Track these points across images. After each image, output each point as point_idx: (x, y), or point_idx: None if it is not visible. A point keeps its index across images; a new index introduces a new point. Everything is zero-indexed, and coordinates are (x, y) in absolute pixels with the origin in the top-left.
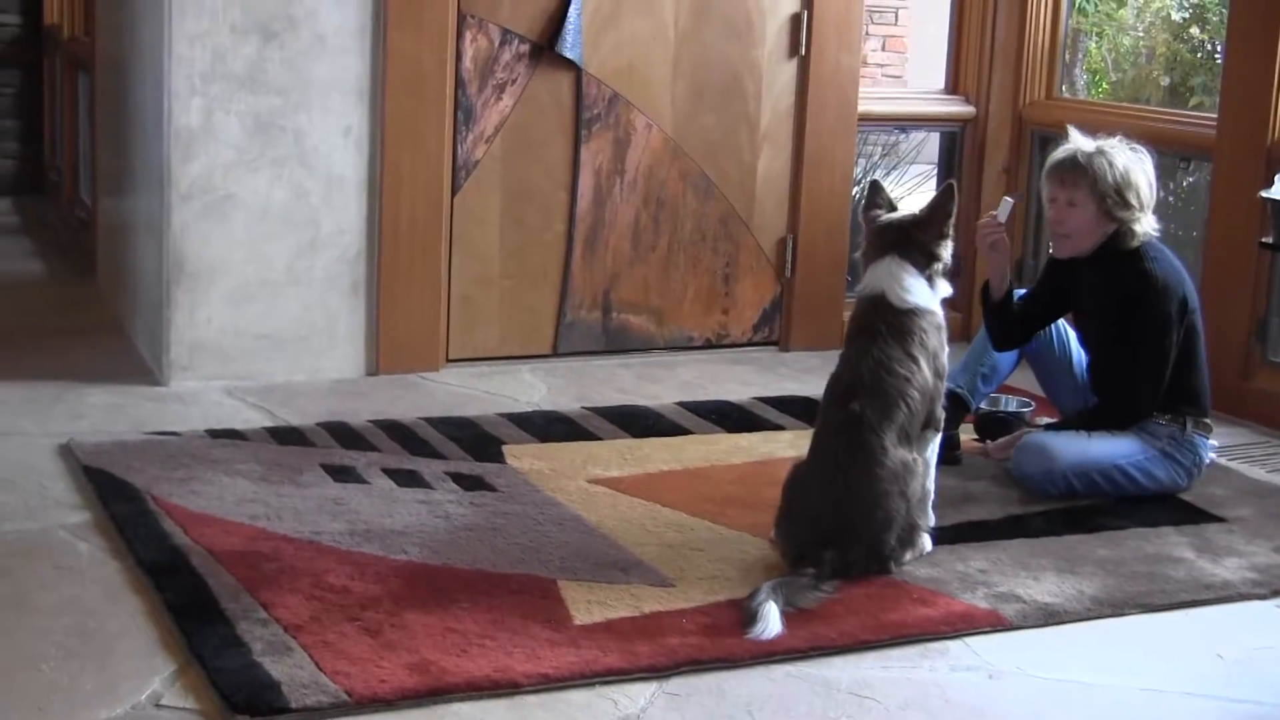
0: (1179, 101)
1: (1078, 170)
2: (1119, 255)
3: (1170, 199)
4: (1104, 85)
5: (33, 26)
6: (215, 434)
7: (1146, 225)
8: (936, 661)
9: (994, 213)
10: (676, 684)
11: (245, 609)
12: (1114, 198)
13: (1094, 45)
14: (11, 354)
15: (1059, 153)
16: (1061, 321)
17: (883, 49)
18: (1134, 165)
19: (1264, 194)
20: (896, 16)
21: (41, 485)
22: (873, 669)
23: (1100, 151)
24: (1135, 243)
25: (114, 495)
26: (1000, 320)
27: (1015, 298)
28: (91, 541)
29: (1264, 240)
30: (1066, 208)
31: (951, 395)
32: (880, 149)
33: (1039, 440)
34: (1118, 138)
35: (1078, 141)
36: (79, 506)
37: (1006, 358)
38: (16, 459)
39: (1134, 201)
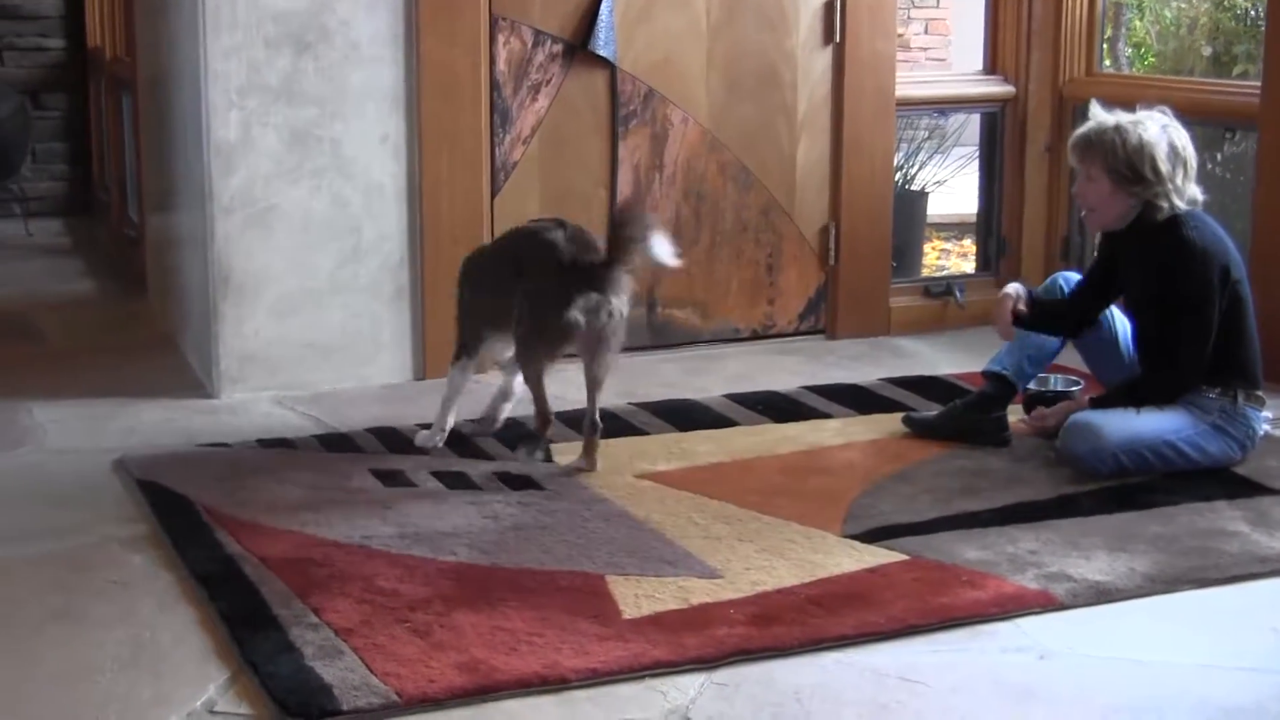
0: (1223, 71)
1: (1090, 146)
2: (1156, 226)
3: (1216, 169)
4: (1149, 58)
5: (77, 50)
6: (265, 444)
7: (1176, 197)
8: (986, 644)
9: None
10: (725, 674)
11: (296, 615)
12: (1126, 171)
13: (1136, 18)
14: (66, 372)
15: (1079, 129)
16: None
17: (925, 32)
18: (1153, 139)
19: None
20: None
21: (97, 500)
22: (922, 653)
23: (1116, 127)
24: (1163, 215)
25: (166, 507)
26: (1052, 321)
27: (1065, 291)
28: (145, 554)
29: None
30: (1086, 182)
31: (998, 377)
32: (926, 132)
33: (1086, 419)
34: (1155, 110)
35: (1098, 116)
36: (133, 520)
37: (1052, 340)
38: (72, 475)
39: (1148, 175)
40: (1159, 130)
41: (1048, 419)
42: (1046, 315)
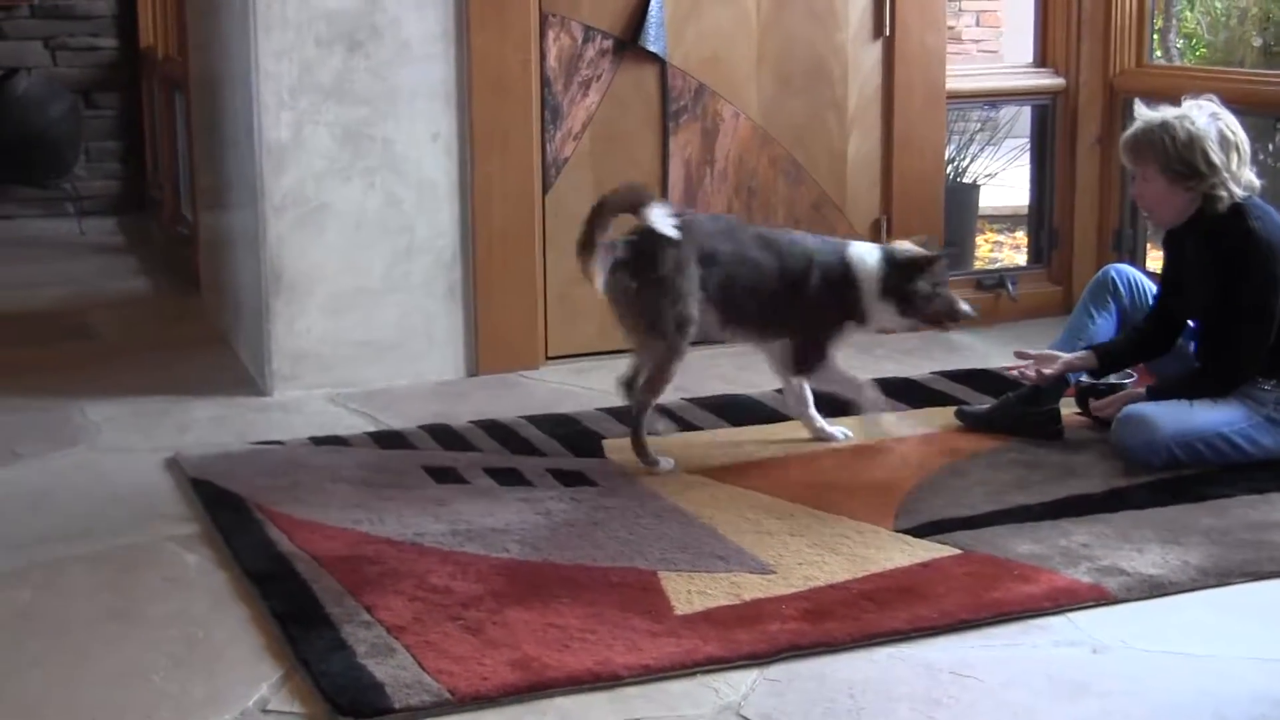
0: (1273, 61)
1: (1140, 146)
2: (1218, 218)
3: (1267, 160)
4: (1200, 50)
5: (129, 49)
6: (318, 441)
7: (1234, 185)
8: (1038, 638)
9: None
10: (777, 670)
11: (349, 612)
12: (1180, 168)
13: (1187, 9)
14: (120, 370)
15: (1127, 131)
16: (1150, 284)
17: (977, 24)
18: (1202, 130)
19: None
20: None
21: (149, 499)
22: (974, 648)
23: (1164, 124)
24: (1224, 205)
25: (220, 506)
26: (1140, 353)
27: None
28: (198, 552)
29: None
30: (1142, 183)
31: None
32: (977, 124)
33: (1140, 411)
34: (1202, 99)
35: (1144, 115)
36: (186, 518)
37: (1105, 330)
38: (125, 474)
39: (1202, 168)
40: (1207, 120)
41: (1106, 408)
42: (1128, 355)
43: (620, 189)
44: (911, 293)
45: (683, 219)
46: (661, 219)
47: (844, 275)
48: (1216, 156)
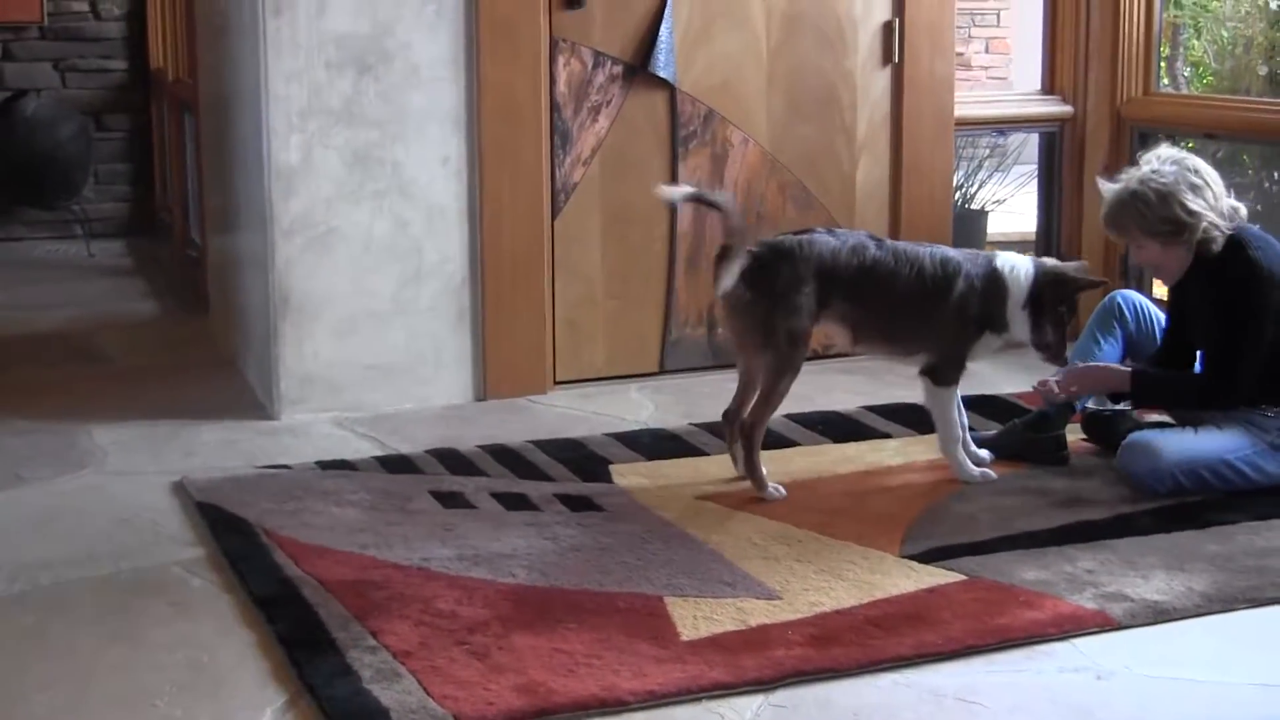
0: (1278, 90)
1: (1119, 221)
2: (1218, 257)
3: (1272, 187)
4: (1207, 78)
5: (139, 71)
6: (325, 465)
7: (1221, 222)
8: (1043, 664)
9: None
10: (782, 696)
11: (355, 637)
12: (1165, 227)
13: (1194, 38)
14: (127, 393)
15: (1103, 208)
16: (1157, 311)
17: (986, 51)
18: (1170, 184)
19: None
20: (999, 18)
21: (155, 523)
22: (979, 674)
23: (1133, 193)
24: (1219, 245)
25: (226, 530)
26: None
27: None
28: (204, 576)
29: None
30: (1137, 250)
31: None
32: (988, 150)
33: (1144, 439)
34: (1159, 150)
35: (1109, 189)
36: (192, 543)
37: (1111, 356)
38: (132, 497)
39: (1186, 219)
40: (1172, 171)
41: (1074, 370)
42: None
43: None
44: (1049, 313)
45: (805, 236)
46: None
47: (992, 287)
48: (1194, 203)
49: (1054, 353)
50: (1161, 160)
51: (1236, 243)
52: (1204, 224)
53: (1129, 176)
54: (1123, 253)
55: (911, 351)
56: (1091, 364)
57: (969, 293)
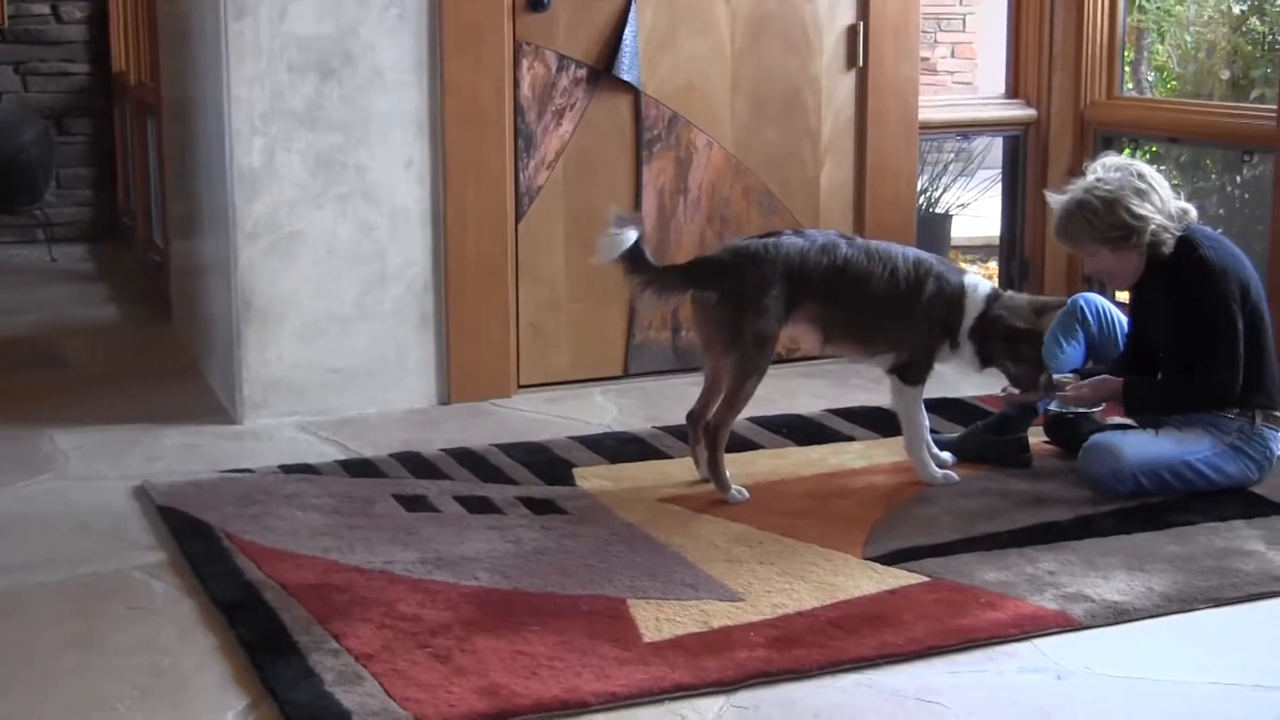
0: (1240, 95)
1: (1070, 231)
2: (1170, 258)
3: (1234, 192)
4: (1171, 83)
5: (101, 75)
6: (288, 469)
7: (1170, 224)
8: (1004, 664)
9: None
10: (744, 697)
11: (317, 641)
12: (1115, 233)
13: (1158, 43)
14: (89, 397)
15: (1053, 221)
16: (1119, 315)
17: (952, 55)
18: (1116, 190)
19: None
20: (964, 23)
21: (117, 527)
22: (941, 674)
23: (1079, 203)
24: (1169, 247)
25: (188, 534)
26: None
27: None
28: (166, 581)
29: None
30: (1090, 259)
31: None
32: (952, 154)
33: (1106, 440)
34: (1103, 158)
35: (1057, 201)
36: (154, 547)
37: (1074, 358)
38: (94, 502)
39: (1134, 223)
40: (1117, 177)
41: (1081, 390)
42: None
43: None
44: (992, 348)
45: (771, 239)
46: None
47: (957, 299)
48: (1141, 208)
49: (1024, 385)
50: (1106, 168)
51: (1187, 244)
52: (1152, 227)
53: (1075, 187)
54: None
55: (883, 351)
56: (1093, 380)
57: (938, 296)
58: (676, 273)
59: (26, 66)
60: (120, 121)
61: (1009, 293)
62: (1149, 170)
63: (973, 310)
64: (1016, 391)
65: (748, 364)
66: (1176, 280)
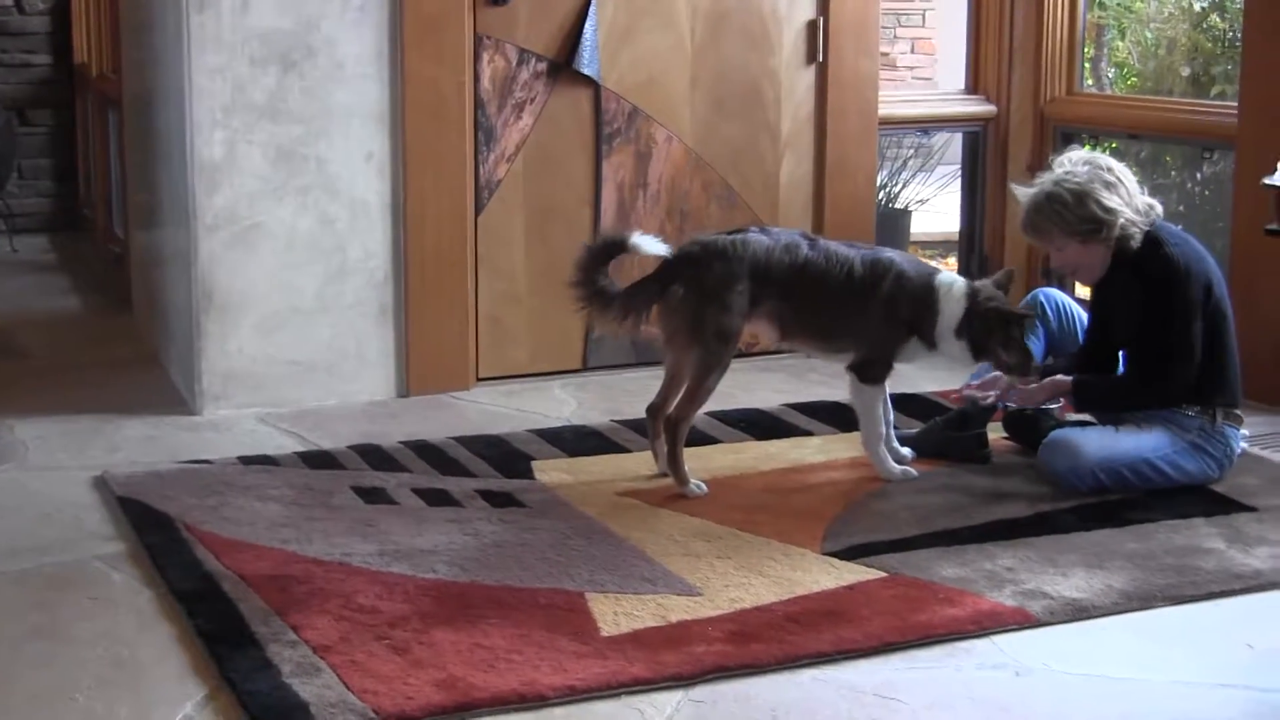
0: (1201, 91)
1: (1038, 224)
2: (1136, 254)
3: (1195, 189)
4: (1131, 79)
5: (64, 66)
6: (247, 461)
7: (1137, 217)
8: (963, 660)
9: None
10: (702, 691)
11: (275, 632)
12: (1083, 227)
13: (1118, 39)
14: (49, 388)
15: (1021, 214)
16: (1079, 310)
17: (912, 51)
18: (1085, 184)
19: (1266, 181)
20: (924, 18)
21: (77, 518)
22: (898, 670)
23: (1048, 195)
24: (1137, 241)
25: (147, 525)
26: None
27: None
28: (125, 571)
29: (1269, 227)
30: (1057, 254)
31: None
32: (913, 150)
33: (1065, 436)
34: (1069, 152)
35: (1025, 193)
36: (113, 537)
37: (1034, 353)
38: (53, 493)
39: (1104, 216)
40: (1085, 171)
41: (1035, 394)
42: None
43: (597, 239)
44: (987, 342)
45: (739, 236)
46: (650, 243)
47: (924, 299)
48: (1110, 200)
49: (1019, 371)
50: (1074, 162)
51: (1154, 240)
52: (1121, 220)
53: (1043, 180)
54: (1045, 254)
55: (840, 349)
56: (1044, 381)
57: (898, 295)
58: (648, 280)
59: None
60: (82, 113)
61: (981, 282)
62: (1116, 164)
63: (951, 308)
64: (976, 390)
65: (710, 358)
66: (1140, 276)
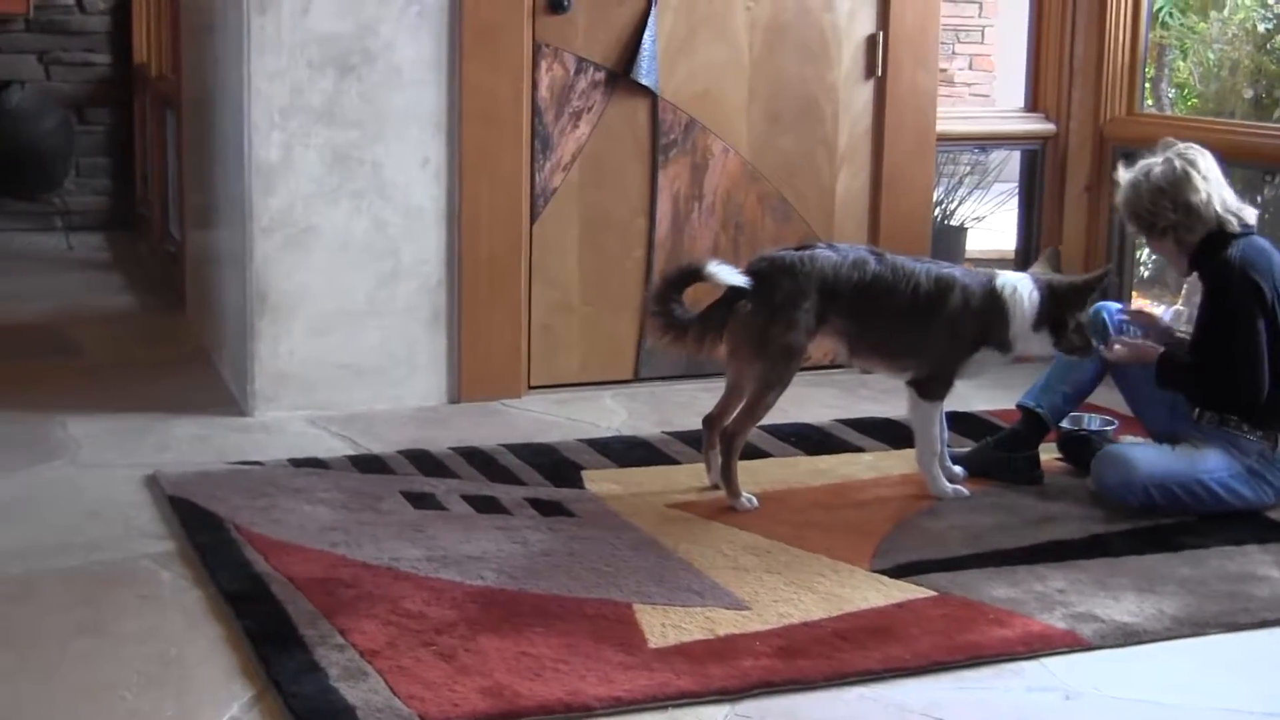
0: (1263, 114)
1: (1130, 217)
2: (1203, 255)
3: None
4: (1192, 100)
5: (123, 66)
6: (298, 463)
7: (1224, 214)
8: (1011, 682)
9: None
10: (748, 706)
11: (323, 635)
12: (1164, 223)
13: (1180, 59)
14: (102, 386)
15: (1119, 196)
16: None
17: (970, 67)
18: (1159, 181)
19: None
20: (983, 35)
21: (127, 516)
22: (947, 690)
23: (1132, 187)
24: (1206, 241)
25: (197, 525)
26: None
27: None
28: (174, 570)
29: None
30: (1151, 244)
31: (1031, 414)
32: (968, 166)
33: (1119, 450)
34: (1165, 142)
35: (1121, 179)
36: (163, 536)
37: (1088, 377)
38: (104, 491)
39: (1172, 215)
40: (1161, 167)
41: (1122, 352)
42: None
43: (673, 268)
44: (1066, 322)
45: (807, 252)
46: (728, 272)
47: (991, 305)
48: (1193, 197)
49: (1084, 351)
50: (1168, 150)
51: (1218, 244)
52: (1192, 224)
53: (1137, 167)
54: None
55: (905, 366)
56: (1137, 341)
57: (963, 310)
58: (719, 302)
59: (49, 56)
60: (140, 112)
61: (1035, 269)
62: (1204, 161)
63: (1022, 304)
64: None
65: (773, 374)
66: (1205, 277)
